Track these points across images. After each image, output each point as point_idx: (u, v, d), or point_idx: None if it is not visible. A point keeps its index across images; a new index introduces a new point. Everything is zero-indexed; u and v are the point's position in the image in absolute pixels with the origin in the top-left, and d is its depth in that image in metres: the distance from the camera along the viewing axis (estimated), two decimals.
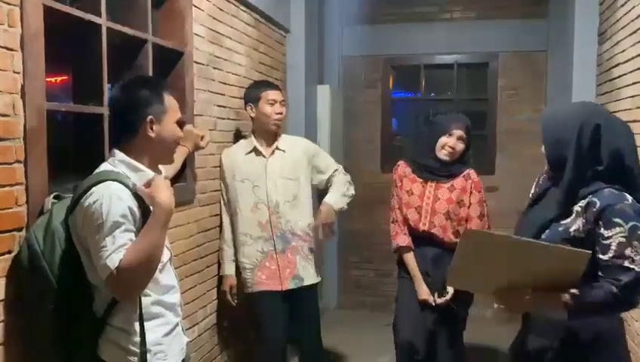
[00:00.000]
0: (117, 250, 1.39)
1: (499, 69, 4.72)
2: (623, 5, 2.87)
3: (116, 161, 1.53)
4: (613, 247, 1.54)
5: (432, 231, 2.60)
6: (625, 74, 2.82)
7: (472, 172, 2.67)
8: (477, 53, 4.80)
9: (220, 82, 2.83)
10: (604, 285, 1.54)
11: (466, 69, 4.94)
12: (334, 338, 3.49)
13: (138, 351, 1.49)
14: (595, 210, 1.57)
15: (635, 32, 2.67)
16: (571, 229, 1.62)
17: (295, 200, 2.78)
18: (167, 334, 1.57)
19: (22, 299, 1.54)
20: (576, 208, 1.62)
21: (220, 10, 2.81)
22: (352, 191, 2.89)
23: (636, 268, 1.52)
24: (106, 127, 1.93)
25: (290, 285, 2.77)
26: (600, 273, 1.56)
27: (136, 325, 1.50)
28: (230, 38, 2.93)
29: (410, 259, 2.66)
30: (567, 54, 3.66)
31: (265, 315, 2.78)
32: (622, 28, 2.88)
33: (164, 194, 1.47)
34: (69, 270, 1.47)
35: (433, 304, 2.59)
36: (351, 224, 4.94)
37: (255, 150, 2.76)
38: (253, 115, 2.75)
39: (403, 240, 2.67)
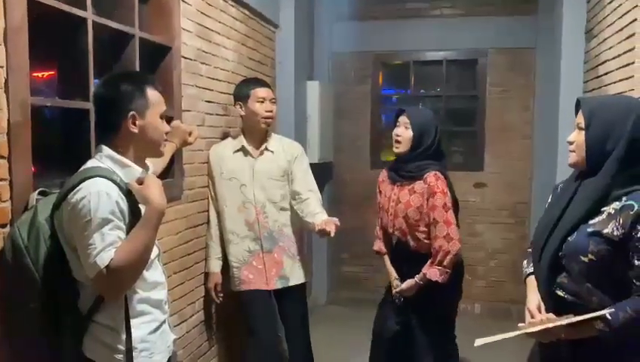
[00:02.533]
0: (106, 248, 1.38)
1: (487, 65, 4.74)
2: (609, 3, 2.89)
3: (103, 157, 1.51)
4: None
5: (396, 233, 2.63)
6: (612, 71, 2.84)
7: (430, 175, 2.49)
8: (466, 49, 4.81)
9: (208, 77, 2.81)
10: (630, 302, 1.46)
11: (455, 65, 4.94)
12: (324, 335, 3.50)
13: (124, 348, 1.48)
14: (632, 213, 1.46)
15: (621, 29, 2.69)
16: (605, 231, 1.51)
17: (283, 201, 2.76)
18: (153, 331, 1.56)
19: (6, 297, 1.52)
20: (609, 210, 1.52)
21: (209, 4, 2.79)
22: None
23: None
24: (92, 122, 1.91)
25: (276, 285, 2.76)
26: (635, 280, 1.48)
27: (122, 322, 1.49)
28: (218, 33, 2.91)
29: (385, 261, 2.79)
30: (555, 51, 3.68)
31: (255, 315, 2.77)
32: (609, 25, 2.90)
33: (157, 193, 1.46)
34: (54, 266, 1.46)
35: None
36: (341, 220, 4.92)
37: (243, 149, 2.73)
38: (242, 113, 2.72)
39: (376, 244, 2.81)
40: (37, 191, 1.57)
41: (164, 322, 1.62)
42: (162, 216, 1.48)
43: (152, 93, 1.57)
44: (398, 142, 2.59)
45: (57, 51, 1.96)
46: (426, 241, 2.54)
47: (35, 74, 1.87)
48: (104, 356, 1.48)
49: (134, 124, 1.52)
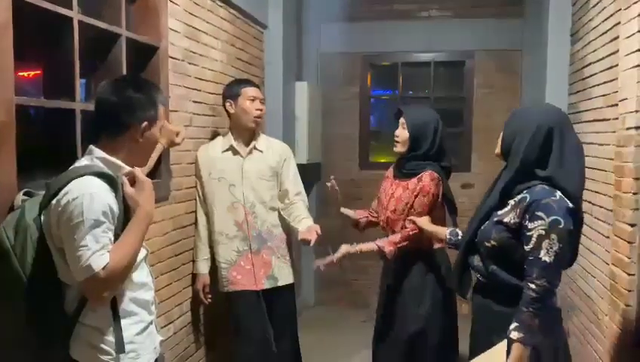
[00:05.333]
0: (100, 250, 1.37)
1: (475, 67, 4.78)
2: (594, 6, 2.93)
3: (94, 159, 1.50)
4: (533, 239, 1.67)
5: (385, 226, 2.67)
6: (596, 73, 2.88)
7: (425, 175, 2.53)
8: (453, 51, 4.84)
9: (196, 78, 2.80)
10: (522, 300, 1.67)
11: (443, 67, 4.97)
12: (312, 336, 3.50)
13: (110, 349, 1.47)
14: (524, 204, 1.70)
15: (605, 32, 2.73)
16: (505, 220, 1.76)
17: (272, 202, 2.76)
18: (140, 332, 1.55)
19: None
20: (511, 202, 1.77)
21: (196, 5, 2.78)
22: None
23: (547, 260, 1.64)
24: (78, 122, 1.90)
25: (265, 285, 2.76)
26: (525, 265, 1.70)
27: (109, 323, 1.48)
28: (206, 34, 2.90)
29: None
30: (541, 53, 3.72)
31: (244, 316, 2.76)
32: (593, 28, 2.94)
33: (148, 199, 1.48)
34: (41, 267, 1.44)
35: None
36: (328, 220, 4.93)
37: (232, 149, 2.73)
38: (232, 111, 2.72)
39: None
40: (22, 192, 1.55)
41: (151, 323, 1.61)
42: (152, 220, 1.50)
43: (162, 109, 1.60)
44: (397, 142, 2.63)
45: (43, 51, 1.95)
46: None
47: (20, 73, 1.85)
48: (91, 357, 1.47)
49: (142, 133, 1.53)
